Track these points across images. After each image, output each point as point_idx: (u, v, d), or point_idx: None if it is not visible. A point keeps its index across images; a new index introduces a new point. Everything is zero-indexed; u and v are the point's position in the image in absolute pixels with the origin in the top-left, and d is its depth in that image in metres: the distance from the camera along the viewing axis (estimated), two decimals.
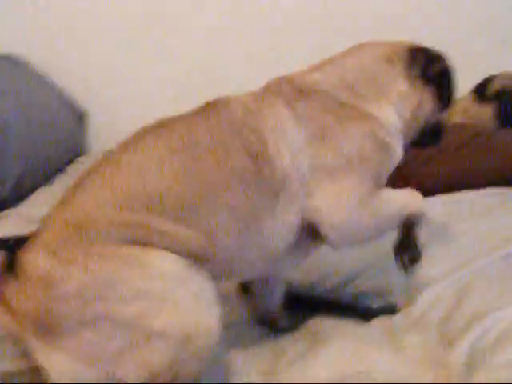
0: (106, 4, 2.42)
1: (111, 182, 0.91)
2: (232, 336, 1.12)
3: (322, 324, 1.16)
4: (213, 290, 0.90)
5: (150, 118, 1.01)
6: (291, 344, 1.13)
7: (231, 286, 1.32)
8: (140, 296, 0.83)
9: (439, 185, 1.75)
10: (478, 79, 2.09)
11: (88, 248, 0.84)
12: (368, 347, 1.00)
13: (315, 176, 1.00)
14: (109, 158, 0.96)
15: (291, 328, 1.20)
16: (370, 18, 2.36)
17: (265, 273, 1.09)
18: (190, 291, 0.86)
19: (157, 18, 2.42)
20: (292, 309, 1.24)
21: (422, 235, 1.13)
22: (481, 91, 2.07)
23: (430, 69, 1.15)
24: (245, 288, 1.29)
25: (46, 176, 2.05)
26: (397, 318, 1.06)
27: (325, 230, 1.00)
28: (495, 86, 2.05)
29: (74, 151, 2.35)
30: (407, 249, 1.11)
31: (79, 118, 2.44)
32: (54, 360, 0.83)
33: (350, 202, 1.01)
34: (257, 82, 1.11)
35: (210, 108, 1.02)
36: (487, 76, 2.10)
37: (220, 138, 0.97)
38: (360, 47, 1.18)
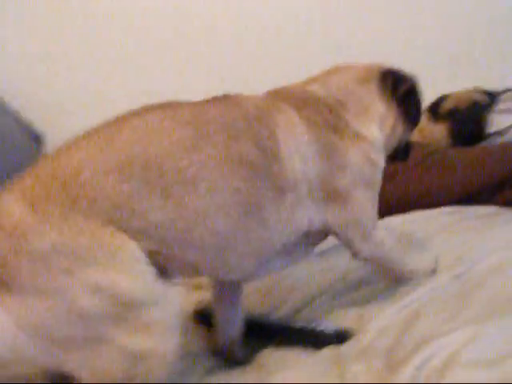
0: (62, 25, 2.38)
1: (111, 146, 0.85)
2: (185, 366, 1.09)
3: (272, 355, 1.12)
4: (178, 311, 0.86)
5: None
6: (240, 376, 1.09)
7: (188, 316, 1.29)
8: (103, 295, 0.78)
9: (399, 203, 1.74)
10: (432, 98, 2.10)
11: (69, 212, 0.79)
12: (314, 378, 0.95)
13: (323, 191, 1.02)
14: (113, 122, 0.91)
15: (246, 359, 1.16)
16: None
17: (247, 274, 1.03)
18: (159, 311, 0.82)
19: (116, 39, 2.40)
20: (246, 336, 1.21)
21: None
22: (434, 110, 2.08)
23: (398, 89, 1.18)
24: (205, 318, 1.26)
25: None
26: (345, 346, 1.02)
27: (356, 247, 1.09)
28: (448, 105, 2.07)
29: None
30: None
31: (36, 140, 2.36)
32: None
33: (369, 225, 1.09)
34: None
35: (220, 99, 1.01)
36: (441, 95, 2.13)
37: (231, 123, 0.95)
38: (337, 69, 1.21)
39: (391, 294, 1.19)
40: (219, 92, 1.04)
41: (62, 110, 2.41)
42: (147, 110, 0.93)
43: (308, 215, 1.02)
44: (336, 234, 1.09)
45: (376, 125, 1.13)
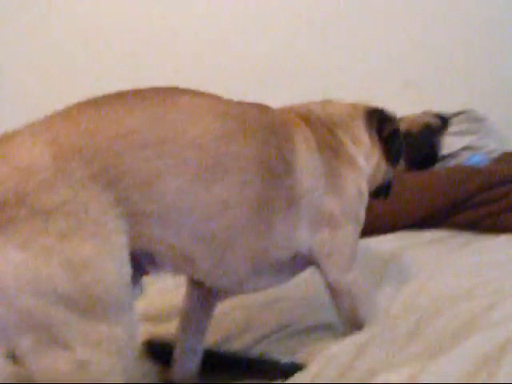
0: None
1: (158, 120, 0.81)
2: None
3: None
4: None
5: None
6: None
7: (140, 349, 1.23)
8: (75, 278, 0.70)
9: None
10: None
11: (90, 180, 0.72)
12: None
13: (320, 214, 1.02)
14: (162, 94, 0.87)
15: None
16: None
17: (238, 282, 1.00)
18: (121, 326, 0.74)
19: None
20: (203, 367, 1.19)
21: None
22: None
23: (383, 130, 1.21)
24: (157, 350, 1.23)
25: None
26: (294, 377, 1.00)
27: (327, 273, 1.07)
28: (400, 129, 2.08)
29: None
30: None
31: None
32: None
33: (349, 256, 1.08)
34: None
35: (253, 103, 1.01)
36: None
37: (263, 128, 0.95)
38: (329, 101, 1.23)
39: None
40: None
41: None
42: (194, 93, 0.91)
43: (302, 236, 1.02)
44: (317, 261, 1.07)
45: (364, 157, 1.15)
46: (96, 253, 0.71)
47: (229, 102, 0.95)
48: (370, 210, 1.75)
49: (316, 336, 1.23)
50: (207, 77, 2.31)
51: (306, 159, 1.00)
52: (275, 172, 0.94)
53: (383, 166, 1.23)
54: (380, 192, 1.31)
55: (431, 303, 1.23)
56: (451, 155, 2.17)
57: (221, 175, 0.85)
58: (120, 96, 0.84)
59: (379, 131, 1.21)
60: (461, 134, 2.29)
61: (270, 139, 0.94)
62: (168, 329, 1.29)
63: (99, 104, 0.81)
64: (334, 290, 1.10)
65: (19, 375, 0.96)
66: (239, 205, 0.88)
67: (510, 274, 1.35)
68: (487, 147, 2.31)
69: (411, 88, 2.43)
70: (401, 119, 2.12)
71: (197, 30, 2.50)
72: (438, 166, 2.09)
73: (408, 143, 2.06)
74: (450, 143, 2.13)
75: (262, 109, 1.01)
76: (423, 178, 1.88)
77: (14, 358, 0.75)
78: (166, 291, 1.51)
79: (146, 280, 0.97)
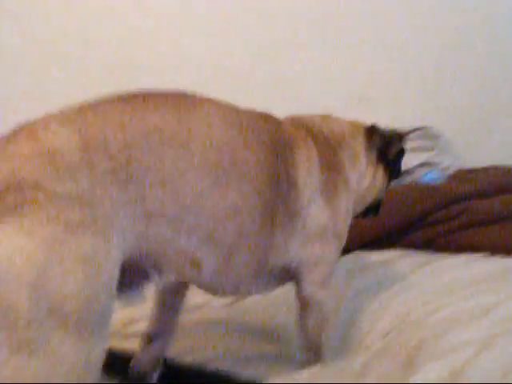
0: None
1: (182, 121, 0.82)
2: None
3: None
4: None
5: None
6: None
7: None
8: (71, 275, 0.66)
9: None
10: None
11: (108, 177, 0.71)
12: None
13: (314, 227, 1.03)
14: (188, 98, 0.88)
15: None
16: None
17: (237, 285, 1.00)
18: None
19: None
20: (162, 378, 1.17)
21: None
22: None
23: (388, 151, 1.23)
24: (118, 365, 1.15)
25: None
26: None
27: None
28: None
29: None
30: None
31: None
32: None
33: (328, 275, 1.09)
34: None
35: (263, 114, 1.02)
36: None
37: (271, 141, 0.96)
38: (328, 117, 1.22)
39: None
40: None
41: None
42: (210, 100, 0.91)
43: (295, 247, 1.02)
44: (299, 274, 1.07)
45: (356, 179, 1.17)
46: (94, 252, 0.68)
47: (239, 111, 0.96)
48: None
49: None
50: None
51: (307, 173, 1.02)
52: (280, 183, 0.96)
53: (378, 185, 1.24)
54: (370, 211, 1.31)
55: (389, 328, 1.17)
56: (407, 172, 2.13)
57: (236, 181, 0.87)
58: (146, 94, 0.83)
59: (383, 152, 1.22)
60: (417, 150, 2.27)
61: (276, 151, 0.96)
62: None
63: (127, 100, 0.80)
64: (306, 305, 1.10)
65: None
66: (249, 211, 0.89)
67: (467, 296, 1.30)
68: (443, 164, 2.30)
69: (366, 104, 2.41)
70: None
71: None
72: (392, 184, 2.06)
73: None
74: (406, 160, 2.09)
75: (269, 119, 1.03)
76: None
77: None
78: None
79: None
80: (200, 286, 1.00)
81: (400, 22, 2.56)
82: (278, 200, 0.95)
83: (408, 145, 2.12)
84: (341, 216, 1.10)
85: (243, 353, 1.24)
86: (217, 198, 0.84)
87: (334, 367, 1.04)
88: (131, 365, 1.15)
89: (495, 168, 2.24)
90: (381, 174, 1.25)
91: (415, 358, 0.97)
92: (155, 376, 1.16)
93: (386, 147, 1.23)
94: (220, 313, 1.43)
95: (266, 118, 1.02)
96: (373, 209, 1.32)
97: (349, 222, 1.16)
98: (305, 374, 1.02)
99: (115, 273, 0.72)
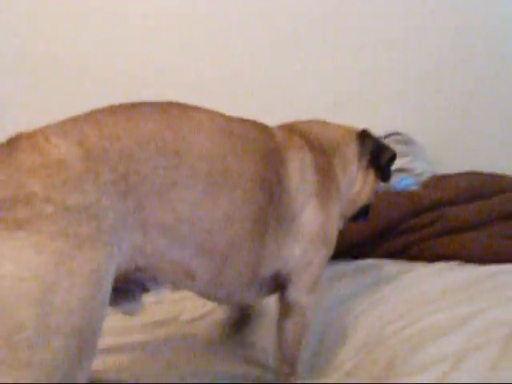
0: None
1: (175, 130, 0.81)
2: None
3: None
4: None
5: None
6: None
7: None
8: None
9: None
10: None
11: (110, 187, 0.70)
12: None
13: (307, 234, 1.02)
14: (181, 107, 0.87)
15: None
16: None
17: (224, 296, 1.01)
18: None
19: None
20: None
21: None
22: None
23: (380, 157, 1.23)
24: None
25: None
26: None
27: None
28: None
29: None
30: None
31: None
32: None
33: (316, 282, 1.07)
34: None
35: (255, 122, 1.02)
36: None
37: (264, 147, 0.96)
38: (321, 122, 1.22)
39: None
40: None
41: None
42: (200, 109, 0.91)
43: (287, 254, 1.01)
44: (288, 279, 1.05)
45: (346, 185, 1.17)
46: (99, 266, 0.67)
47: (231, 120, 0.95)
48: None
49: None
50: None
51: (300, 179, 1.01)
52: (272, 190, 0.95)
53: (368, 189, 1.24)
54: (360, 215, 1.31)
55: (361, 345, 1.13)
56: None
57: (227, 189, 0.86)
58: (137, 105, 0.83)
59: (375, 157, 1.22)
60: None
61: (268, 158, 0.96)
62: None
63: (120, 110, 0.80)
64: (289, 309, 1.08)
65: None
66: (242, 220, 0.89)
67: (441, 308, 1.26)
68: (416, 170, 2.27)
69: (340, 108, 2.38)
70: None
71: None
72: None
73: None
74: None
75: (261, 128, 1.03)
76: None
77: None
78: None
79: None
80: (195, 293, 0.99)
81: (374, 27, 2.54)
82: (270, 207, 0.94)
83: None
84: (333, 222, 1.09)
85: (210, 371, 1.18)
86: (210, 206, 0.83)
87: None
88: None
89: (469, 174, 2.22)
90: (371, 178, 1.25)
91: (388, 377, 0.93)
92: None
93: (378, 152, 1.23)
94: (187, 328, 1.37)
95: (258, 126, 1.02)
96: (362, 213, 1.31)
97: (338, 228, 1.15)
98: None
99: (110, 287, 0.71)
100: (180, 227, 0.80)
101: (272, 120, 1.18)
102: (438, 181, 2.15)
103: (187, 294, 1.47)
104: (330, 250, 1.12)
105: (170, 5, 2.38)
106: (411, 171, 2.28)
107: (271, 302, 1.17)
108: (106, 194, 0.70)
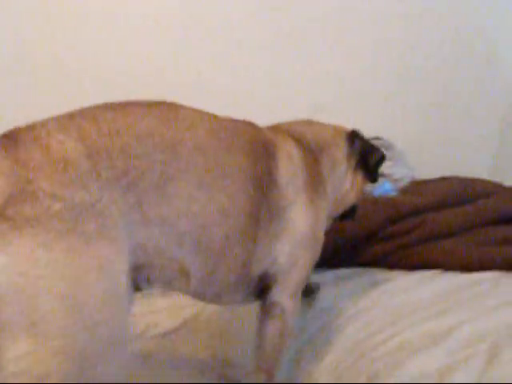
0: None
1: (168, 125, 0.81)
2: None
3: None
4: None
5: None
6: None
7: None
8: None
9: None
10: None
11: (112, 183, 0.71)
12: None
13: (296, 234, 1.01)
14: (168, 105, 0.87)
15: None
16: None
17: (222, 292, 0.99)
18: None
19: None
20: None
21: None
22: None
23: (370, 158, 1.22)
24: None
25: None
26: None
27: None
28: None
29: None
30: None
31: None
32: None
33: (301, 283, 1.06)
34: None
35: (245, 121, 1.02)
36: None
37: (254, 145, 0.95)
38: (312, 122, 1.22)
39: None
40: None
41: None
42: (190, 107, 0.90)
43: (276, 252, 1.00)
44: (273, 280, 1.04)
45: (333, 186, 1.16)
46: (111, 263, 0.68)
47: (220, 117, 0.96)
48: None
49: None
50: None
51: (290, 175, 1.01)
52: (263, 186, 0.95)
53: (356, 190, 1.24)
54: (346, 215, 1.30)
55: (339, 361, 1.08)
56: None
57: (222, 183, 0.86)
58: (130, 102, 0.83)
59: (364, 158, 1.22)
60: None
61: (259, 154, 0.96)
62: None
63: (115, 107, 0.80)
64: (270, 312, 1.06)
65: None
66: (236, 215, 0.89)
67: (422, 320, 1.22)
68: (396, 175, 2.24)
69: (321, 113, 2.34)
70: None
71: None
72: None
73: None
74: None
75: (251, 126, 1.03)
76: None
77: None
78: None
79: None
80: (185, 292, 0.97)
81: (356, 31, 2.51)
82: (262, 203, 0.95)
83: None
84: (320, 220, 1.09)
85: None
86: (204, 200, 0.84)
87: None
88: None
89: (448, 179, 2.20)
90: (359, 179, 1.25)
91: None
92: None
93: (367, 153, 1.23)
94: (160, 342, 1.30)
95: (248, 124, 1.02)
96: (349, 213, 1.32)
97: (325, 227, 1.14)
98: None
99: (126, 280, 0.71)
100: (178, 223, 0.80)
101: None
102: (419, 186, 2.12)
103: (159, 306, 1.43)
104: (316, 251, 1.10)
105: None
106: (390, 176, 2.25)
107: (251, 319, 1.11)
108: (109, 190, 0.70)
